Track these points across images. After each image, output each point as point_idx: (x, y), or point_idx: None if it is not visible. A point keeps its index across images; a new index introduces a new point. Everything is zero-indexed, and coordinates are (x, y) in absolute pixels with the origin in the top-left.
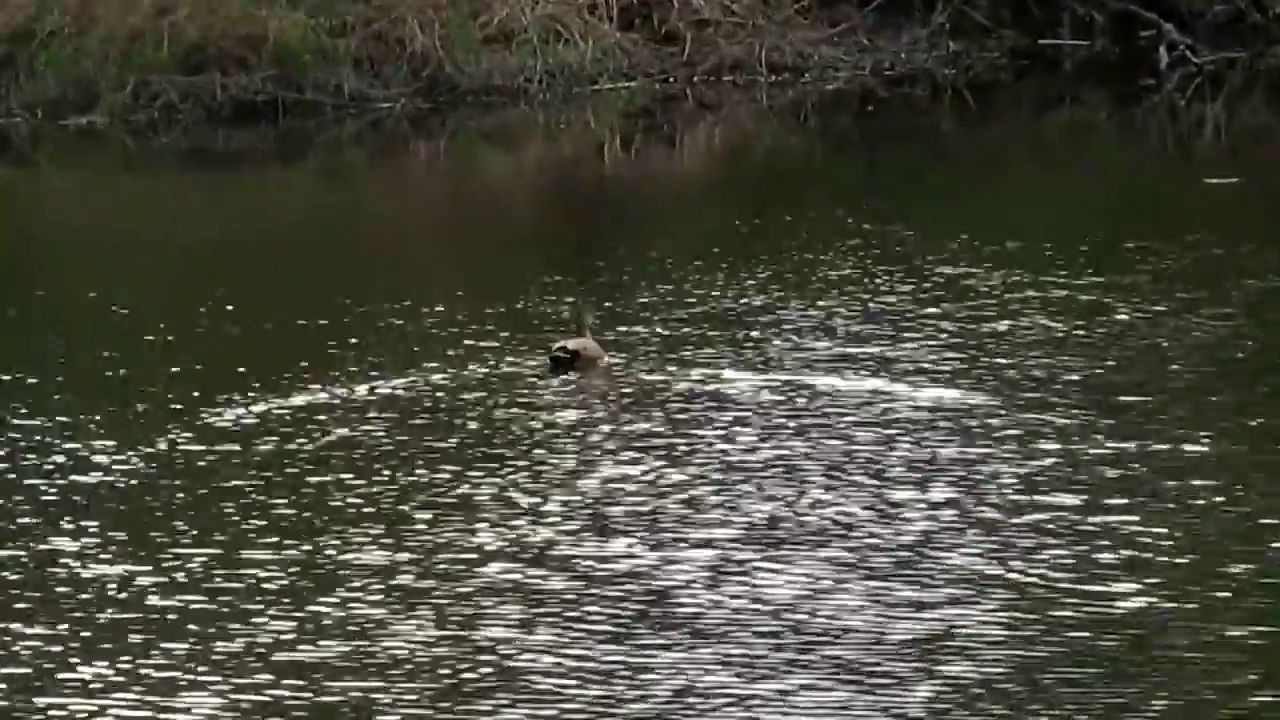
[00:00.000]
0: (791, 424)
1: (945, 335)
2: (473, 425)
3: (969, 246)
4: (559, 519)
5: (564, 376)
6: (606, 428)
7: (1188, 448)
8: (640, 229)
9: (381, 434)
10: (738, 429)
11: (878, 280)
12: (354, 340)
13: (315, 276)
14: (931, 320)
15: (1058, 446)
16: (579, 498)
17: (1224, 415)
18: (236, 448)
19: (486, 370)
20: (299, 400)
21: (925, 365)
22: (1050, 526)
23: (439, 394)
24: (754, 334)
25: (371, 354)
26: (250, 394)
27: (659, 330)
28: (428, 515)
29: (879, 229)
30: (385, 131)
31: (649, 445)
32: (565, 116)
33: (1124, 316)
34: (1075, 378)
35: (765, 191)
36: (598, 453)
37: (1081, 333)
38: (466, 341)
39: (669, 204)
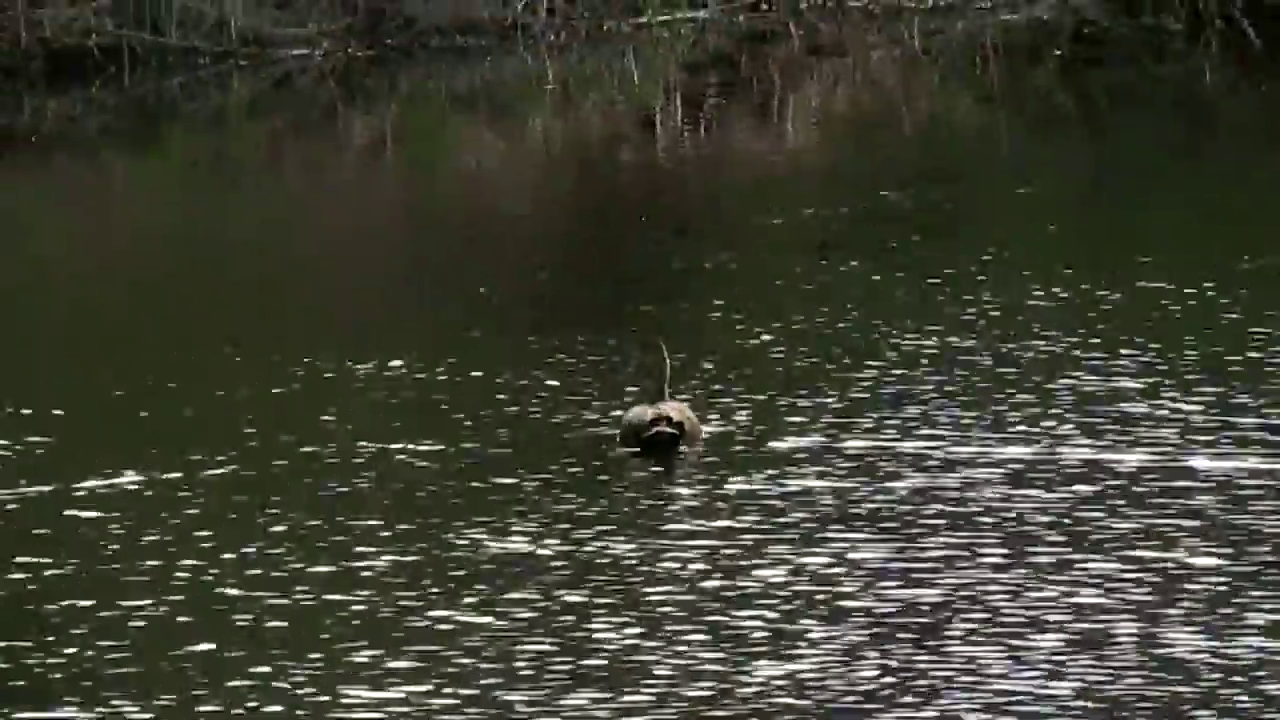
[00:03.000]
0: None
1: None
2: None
3: None
4: None
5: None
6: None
7: None
8: (714, 252)
9: None
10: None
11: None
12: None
13: (177, 333)
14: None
15: None
16: None
17: None
18: None
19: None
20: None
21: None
22: None
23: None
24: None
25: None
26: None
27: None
28: None
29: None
30: (297, 95)
31: None
32: (592, 67)
33: None
34: None
35: (926, 196)
36: None
37: None
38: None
39: (761, 213)
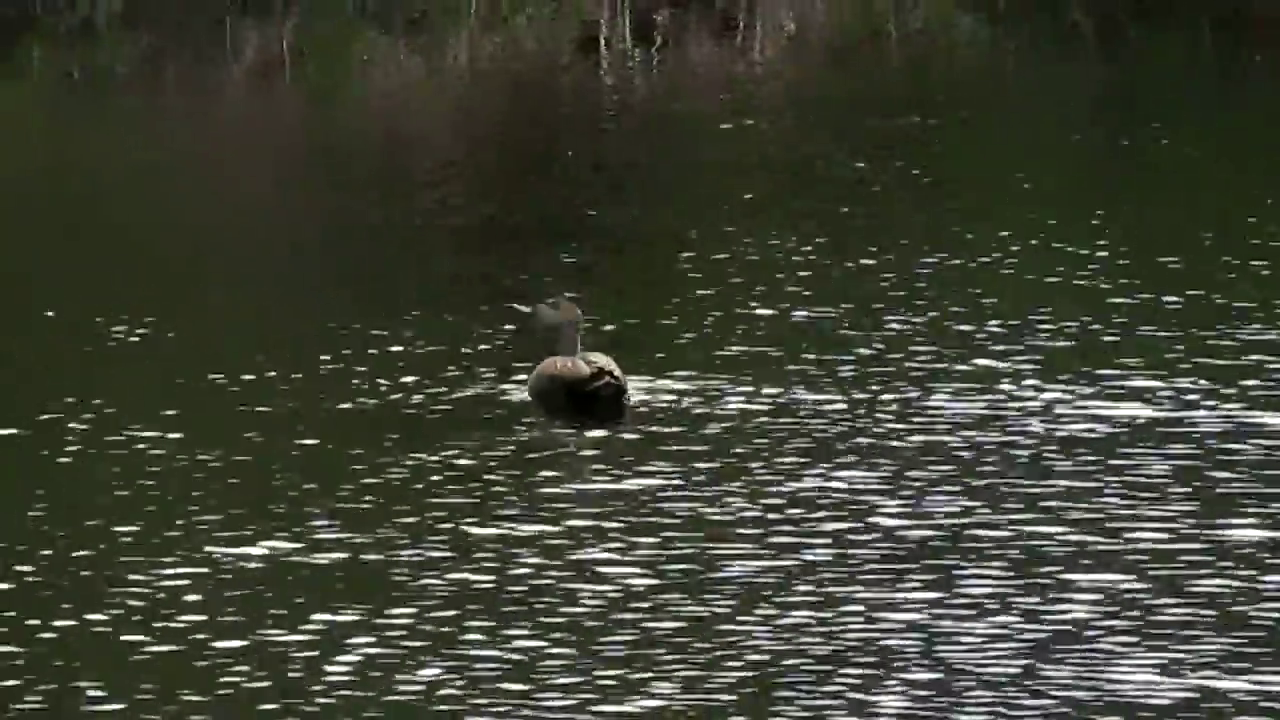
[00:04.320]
0: None
1: None
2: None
3: None
4: None
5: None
6: None
7: None
8: (664, 196)
9: None
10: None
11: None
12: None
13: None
14: None
15: None
16: None
17: None
18: None
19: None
20: None
21: None
22: None
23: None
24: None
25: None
26: None
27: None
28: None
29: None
30: (181, 1)
31: None
32: None
33: None
34: None
35: (906, 130)
36: None
37: None
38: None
39: (723, 146)
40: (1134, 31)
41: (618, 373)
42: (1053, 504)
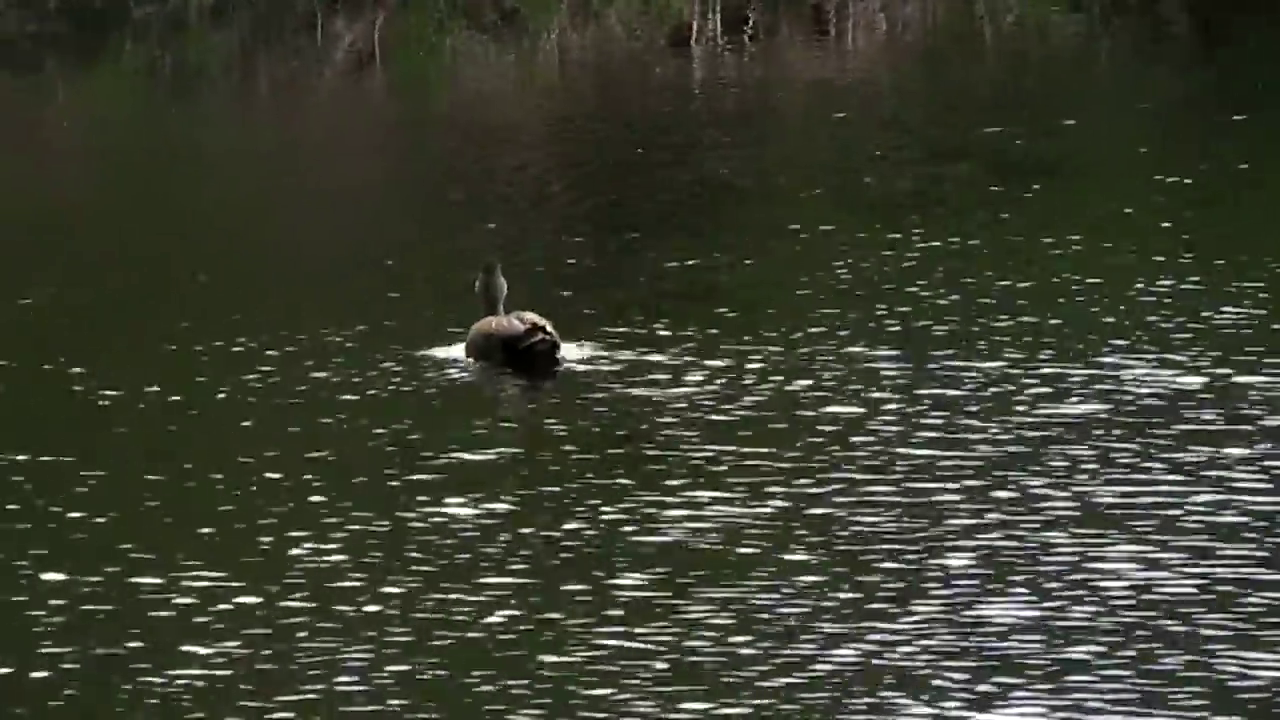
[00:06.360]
0: None
1: None
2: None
3: None
4: None
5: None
6: None
7: None
8: (760, 205)
9: None
10: None
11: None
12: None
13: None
14: None
15: None
16: None
17: None
18: None
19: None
20: None
21: None
22: None
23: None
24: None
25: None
26: None
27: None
28: None
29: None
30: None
31: None
32: None
33: None
34: None
35: (1018, 136)
36: None
37: None
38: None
39: (821, 149)
40: (1235, 29)
41: (550, 329)
42: (1103, 499)
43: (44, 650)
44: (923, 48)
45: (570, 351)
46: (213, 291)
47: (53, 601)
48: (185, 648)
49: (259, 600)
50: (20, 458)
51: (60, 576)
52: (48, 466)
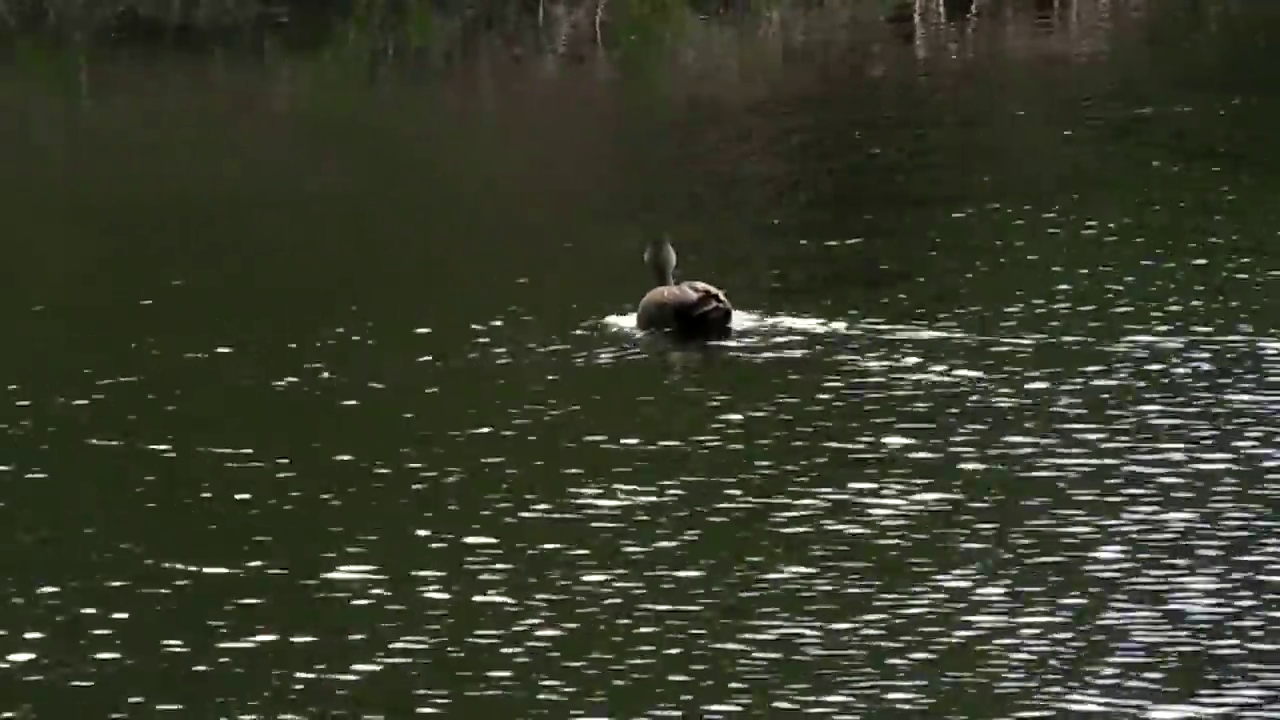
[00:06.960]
0: None
1: None
2: None
3: None
4: None
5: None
6: None
7: None
8: (971, 170)
9: None
10: None
11: None
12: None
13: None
14: None
15: None
16: None
17: None
18: None
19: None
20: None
21: None
22: None
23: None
24: None
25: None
26: None
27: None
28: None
29: None
30: None
31: None
32: None
33: None
34: None
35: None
36: None
37: None
38: None
39: (1048, 140)
40: None
41: (723, 297)
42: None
43: (218, 639)
44: (1148, 23)
45: (741, 320)
46: (412, 269)
47: (227, 592)
48: (359, 636)
49: (445, 594)
50: (223, 449)
51: (225, 570)
52: (252, 457)
